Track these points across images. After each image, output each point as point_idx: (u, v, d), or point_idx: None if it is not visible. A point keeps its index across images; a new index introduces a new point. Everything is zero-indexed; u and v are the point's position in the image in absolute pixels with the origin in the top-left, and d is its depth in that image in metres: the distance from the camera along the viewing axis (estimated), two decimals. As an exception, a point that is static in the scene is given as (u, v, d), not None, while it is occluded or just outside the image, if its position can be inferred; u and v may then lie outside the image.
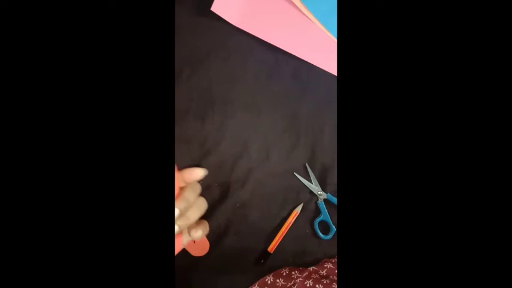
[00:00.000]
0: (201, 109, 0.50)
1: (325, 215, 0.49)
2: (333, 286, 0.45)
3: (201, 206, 0.35)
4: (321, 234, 0.49)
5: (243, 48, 0.50)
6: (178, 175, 0.34)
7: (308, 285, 0.45)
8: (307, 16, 0.47)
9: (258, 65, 0.50)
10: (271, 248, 0.49)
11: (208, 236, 0.48)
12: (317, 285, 0.45)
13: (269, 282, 0.47)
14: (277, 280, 0.47)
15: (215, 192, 0.50)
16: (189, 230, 0.34)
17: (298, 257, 0.49)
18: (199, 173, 0.35)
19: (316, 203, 0.50)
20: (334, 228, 0.48)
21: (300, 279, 0.46)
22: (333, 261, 0.48)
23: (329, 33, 0.48)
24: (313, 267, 0.47)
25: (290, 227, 0.49)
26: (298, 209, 0.49)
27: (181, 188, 0.34)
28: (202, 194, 0.35)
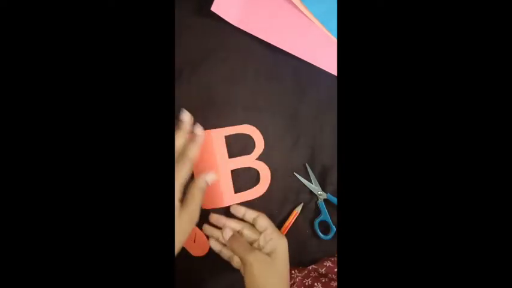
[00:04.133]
0: (201, 109, 0.50)
1: (325, 215, 0.49)
2: (332, 284, 0.45)
3: None
4: (321, 234, 0.49)
5: (243, 48, 0.50)
6: None
7: (307, 283, 0.45)
8: (307, 16, 0.47)
9: (258, 65, 0.50)
10: (271, 248, 0.48)
11: (208, 236, 0.48)
12: (316, 284, 0.45)
13: (269, 282, 0.47)
14: (277, 280, 0.47)
15: (215, 192, 0.49)
16: None
17: (298, 257, 0.49)
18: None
19: (316, 203, 0.50)
20: (334, 228, 0.48)
21: (299, 277, 0.46)
22: (332, 259, 0.48)
23: (329, 33, 0.48)
24: (313, 266, 0.47)
25: (290, 227, 0.49)
26: (298, 209, 0.49)
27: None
28: None
